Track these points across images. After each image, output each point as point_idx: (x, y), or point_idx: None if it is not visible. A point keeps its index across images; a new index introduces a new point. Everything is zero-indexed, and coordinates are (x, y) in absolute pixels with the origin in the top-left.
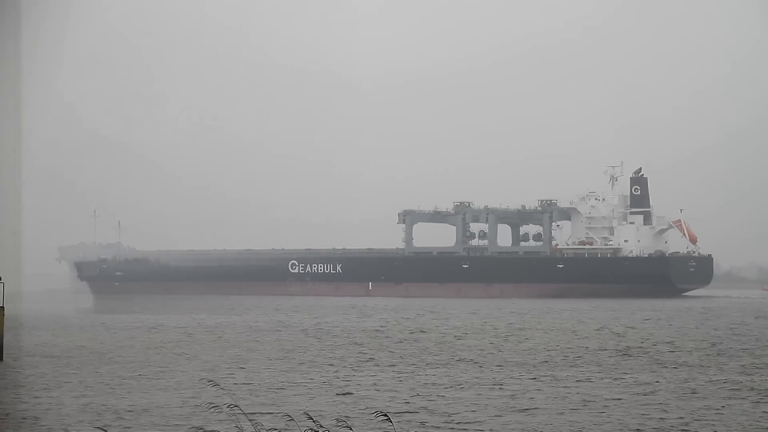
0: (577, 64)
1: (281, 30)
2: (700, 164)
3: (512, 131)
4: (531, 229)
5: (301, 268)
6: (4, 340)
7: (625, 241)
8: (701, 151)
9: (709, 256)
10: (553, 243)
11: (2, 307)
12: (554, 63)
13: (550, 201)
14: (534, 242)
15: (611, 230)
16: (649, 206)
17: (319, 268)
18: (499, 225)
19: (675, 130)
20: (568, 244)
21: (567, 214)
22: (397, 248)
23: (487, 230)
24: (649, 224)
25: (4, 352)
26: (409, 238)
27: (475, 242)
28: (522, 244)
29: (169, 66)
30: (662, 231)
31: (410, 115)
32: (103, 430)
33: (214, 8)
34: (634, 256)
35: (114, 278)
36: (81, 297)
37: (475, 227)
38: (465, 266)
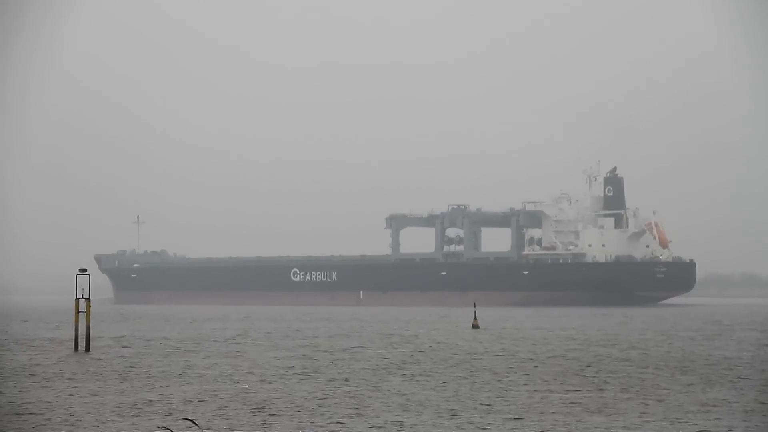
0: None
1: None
2: (690, 166)
3: (511, 134)
4: (535, 233)
5: (301, 276)
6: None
7: (590, 245)
8: (689, 154)
9: (691, 261)
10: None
11: (89, 299)
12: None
13: (535, 203)
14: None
15: (576, 234)
16: (623, 208)
17: (317, 276)
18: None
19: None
20: (534, 250)
21: (537, 217)
22: (386, 255)
23: (462, 235)
24: (622, 227)
25: (91, 343)
26: (395, 243)
27: (452, 248)
28: (492, 249)
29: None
30: (638, 234)
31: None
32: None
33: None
34: (592, 261)
35: (132, 270)
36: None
37: (452, 232)
38: (443, 273)
